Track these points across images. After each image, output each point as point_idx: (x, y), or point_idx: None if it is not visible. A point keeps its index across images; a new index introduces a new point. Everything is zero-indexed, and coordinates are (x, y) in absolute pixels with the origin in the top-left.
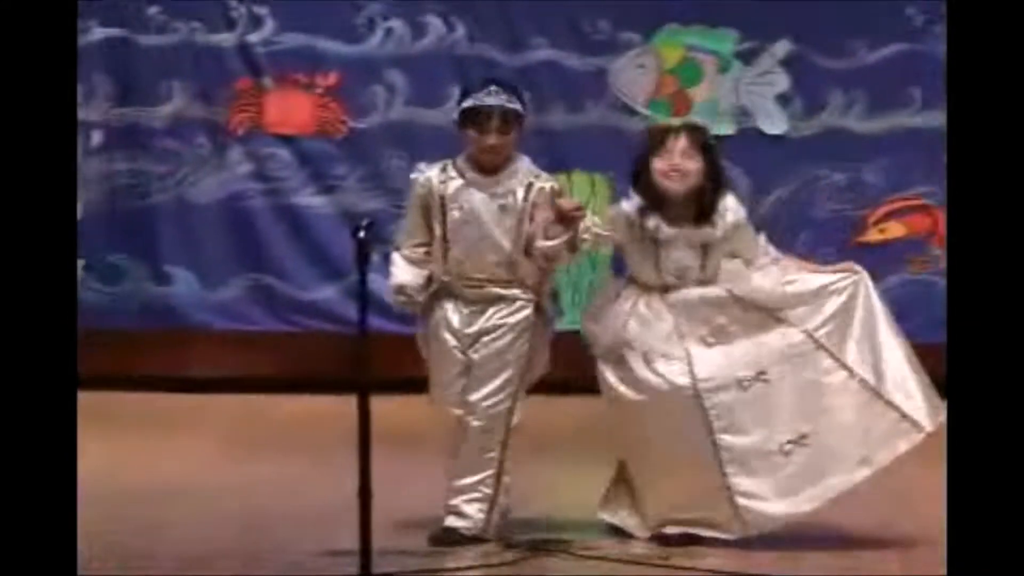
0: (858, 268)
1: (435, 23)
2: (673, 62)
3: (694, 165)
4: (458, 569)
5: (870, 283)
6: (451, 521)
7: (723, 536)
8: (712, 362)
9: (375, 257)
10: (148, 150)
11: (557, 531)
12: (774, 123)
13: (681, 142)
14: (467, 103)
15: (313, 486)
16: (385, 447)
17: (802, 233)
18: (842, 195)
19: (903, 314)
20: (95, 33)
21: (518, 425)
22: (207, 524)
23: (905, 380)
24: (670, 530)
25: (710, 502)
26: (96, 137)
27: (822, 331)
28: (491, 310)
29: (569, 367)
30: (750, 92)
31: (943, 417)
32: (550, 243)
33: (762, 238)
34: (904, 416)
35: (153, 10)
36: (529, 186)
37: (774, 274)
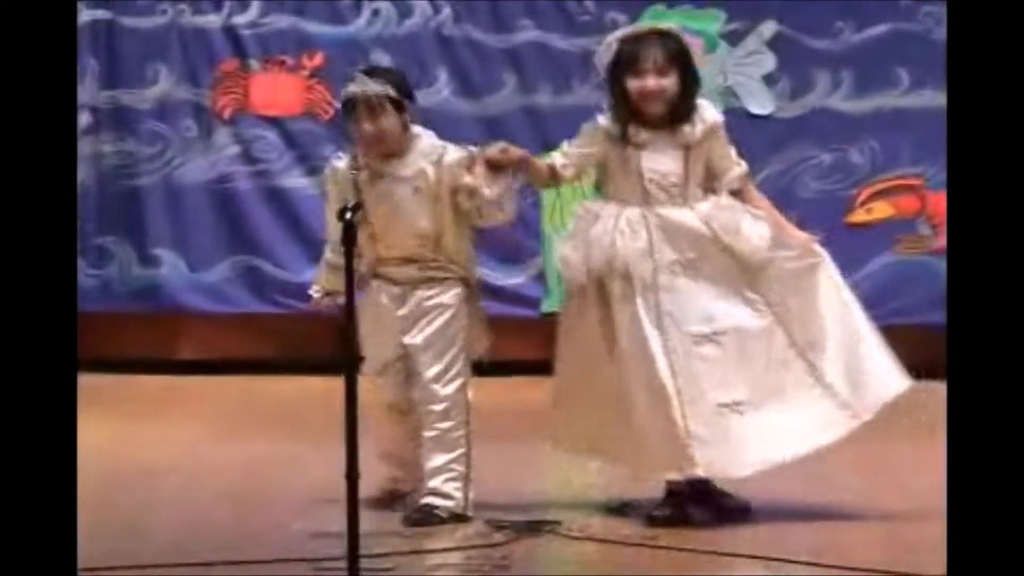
0: (819, 249)
1: (421, 4)
2: None
3: (669, 81)
4: (446, 550)
5: (832, 265)
6: (429, 500)
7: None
8: (675, 306)
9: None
10: (135, 132)
11: (545, 512)
12: (761, 104)
13: (654, 57)
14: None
15: (302, 467)
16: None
17: (790, 213)
18: (829, 175)
19: (891, 294)
20: (82, 15)
21: (473, 404)
22: (196, 506)
23: (854, 369)
24: (656, 512)
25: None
26: (83, 119)
27: (782, 307)
28: (419, 292)
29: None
30: (736, 73)
31: (882, 404)
32: (492, 190)
33: (733, 153)
34: (843, 405)
35: None
36: (438, 161)
37: (762, 231)
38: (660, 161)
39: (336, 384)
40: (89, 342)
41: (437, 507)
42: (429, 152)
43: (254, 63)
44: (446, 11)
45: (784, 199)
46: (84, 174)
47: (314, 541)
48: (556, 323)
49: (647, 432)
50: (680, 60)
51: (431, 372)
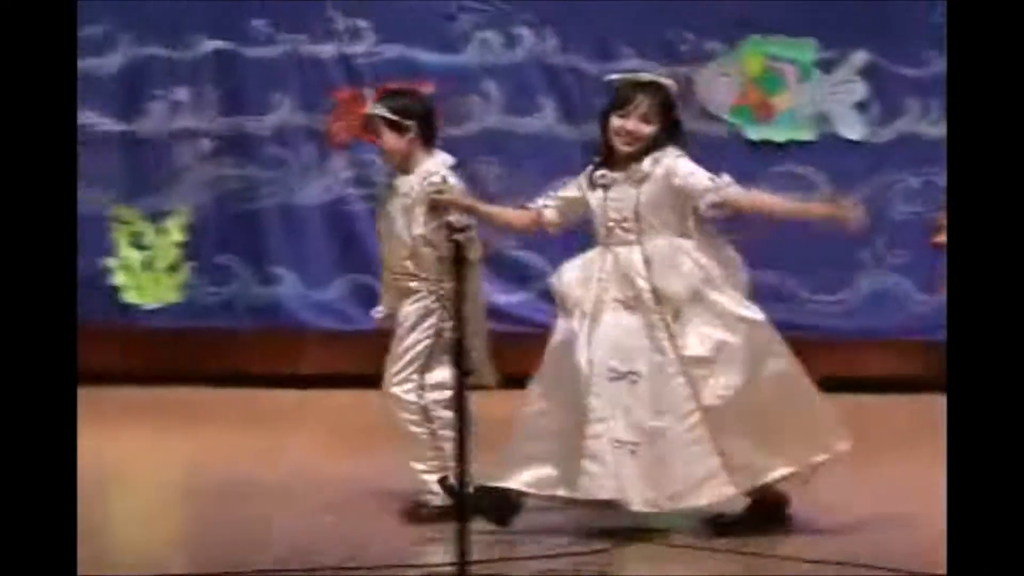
0: (757, 316)
1: (527, 34)
2: (756, 71)
3: (648, 129)
4: (550, 556)
5: (770, 332)
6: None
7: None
8: (605, 339)
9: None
10: (255, 157)
11: (644, 520)
12: (852, 129)
13: (643, 104)
14: None
15: (412, 477)
16: (482, 439)
17: (880, 234)
18: (917, 198)
19: None
20: (205, 46)
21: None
22: (311, 515)
23: (756, 440)
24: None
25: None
26: (206, 145)
27: (698, 361)
28: (403, 303)
29: None
30: (829, 100)
31: (763, 482)
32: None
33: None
34: (724, 469)
35: (259, 23)
36: (425, 179)
37: (692, 277)
38: (619, 200)
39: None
40: (210, 357)
41: (424, 503)
42: (426, 172)
43: (368, 91)
44: (551, 41)
45: (875, 220)
46: (206, 197)
47: (423, 548)
48: None
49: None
50: (666, 113)
51: (387, 374)
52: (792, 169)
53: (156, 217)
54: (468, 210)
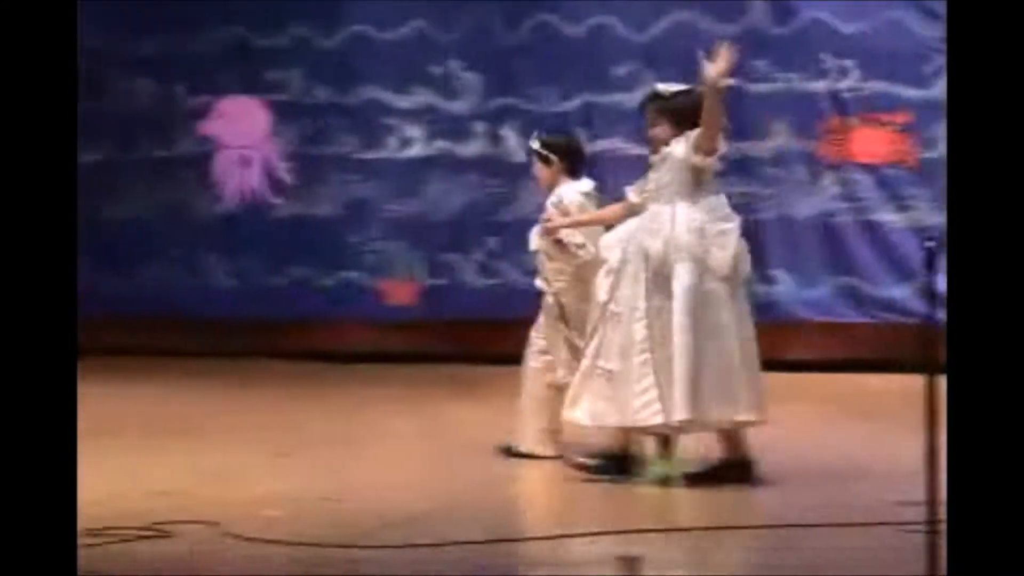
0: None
1: None
2: None
3: (662, 132)
4: (869, 524)
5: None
6: None
7: None
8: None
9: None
10: (756, 176)
11: None
12: None
13: (651, 114)
14: None
15: (887, 447)
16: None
17: None
18: None
19: None
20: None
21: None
22: (798, 478)
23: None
24: None
25: None
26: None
27: (655, 305)
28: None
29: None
30: None
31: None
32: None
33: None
34: (660, 401)
35: (760, 63)
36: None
37: (671, 238)
38: (654, 175)
39: (916, 381)
40: None
41: None
42: (556, 196)
43: (854, 119)
44: None
45: None
46: None
47: (896, 508)
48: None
49: None
50: (669, 113)
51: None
52: None
53: None
54: (571, 225)
